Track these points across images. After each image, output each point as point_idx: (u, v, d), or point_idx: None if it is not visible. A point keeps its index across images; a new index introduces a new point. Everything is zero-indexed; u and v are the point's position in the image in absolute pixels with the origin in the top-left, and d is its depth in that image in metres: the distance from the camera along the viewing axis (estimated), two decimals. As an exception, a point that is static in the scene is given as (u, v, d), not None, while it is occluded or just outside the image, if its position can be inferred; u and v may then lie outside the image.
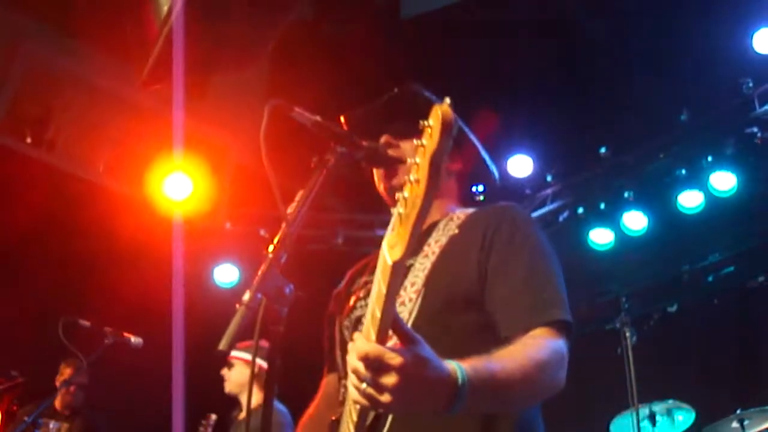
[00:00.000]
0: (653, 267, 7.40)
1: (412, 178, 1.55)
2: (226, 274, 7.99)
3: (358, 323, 2.30)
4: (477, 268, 2.21)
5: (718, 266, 7.34)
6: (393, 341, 1.72)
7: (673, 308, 7.36)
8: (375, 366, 1.62)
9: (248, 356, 5.18)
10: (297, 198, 2.11)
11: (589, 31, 6.71)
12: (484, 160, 2.61)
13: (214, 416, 5.53)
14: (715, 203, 6.95)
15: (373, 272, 2.37)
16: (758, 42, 6.34)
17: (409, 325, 2.09)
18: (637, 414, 5.32)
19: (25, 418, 5.53)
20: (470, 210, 2.46)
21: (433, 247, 2.30)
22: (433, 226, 2.40)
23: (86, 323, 5.48)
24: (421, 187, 1.52)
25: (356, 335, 1.70)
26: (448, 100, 1.62)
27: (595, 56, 6.74)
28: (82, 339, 5.43)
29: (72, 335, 5.31)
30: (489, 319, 2.16)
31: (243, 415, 5.25)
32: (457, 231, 2.33)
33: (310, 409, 2.52)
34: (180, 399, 5.09)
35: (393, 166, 2.44)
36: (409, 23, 6.68)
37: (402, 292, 2.19)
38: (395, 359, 1.61)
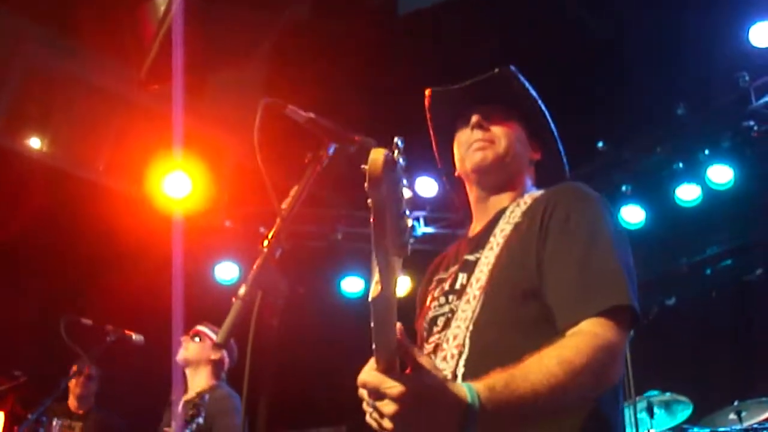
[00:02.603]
0: (651, 260, 7.41)
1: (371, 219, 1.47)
2: (226, 272, 8.04)
3: (433, 324, 2.25)
4: (535, 257, 2.10)
5: (715, 259, 7.36)
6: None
7: (671, 301, 7.39)
8: (374, 394, 1.60)
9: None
10: (291, 193, 2.15)
11: (586, 26, 6.73)
12: (560, 153, 2.53)
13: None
14: (712, 196, 6.97)
15: (446, 269, 2.38)
16: (754, 35, 6.35)
17: (473, 323, 2.08)
18: (635, 407, 5.35)
19: (29, 416, 5.56)
20: (538, 193, 2.35)
21: (498, 237, 2.23)
22: (500, 214, 2.33)
23: (88, 321, 5.50)
24: (372, 233, 1.45)
25: (371, 361, 1.65)
26: (379, 150, 1.45)
27: (592, 51, 6.75)
28: (83, 337, 5.46)
29: (74, 333, 5.33)
30: (549, 312, 2.04)
31: (188, 396, 5.07)
32: (520, 218, 2.24)
33: None
34: (180, 394, 5.13)
35: (481, 141, 2.40)
36: (406, 19, 6.69)
37: (468, 289, 2.16)
38: (392, 389, 1.58)
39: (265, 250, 2.04)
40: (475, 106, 2.44)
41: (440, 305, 2.27)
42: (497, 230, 2.25)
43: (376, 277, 1.50)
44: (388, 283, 1.48)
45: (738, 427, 5.62)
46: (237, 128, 6.97)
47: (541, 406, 1.73)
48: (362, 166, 1.42)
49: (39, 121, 7.32)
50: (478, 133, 2.40)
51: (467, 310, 2.12)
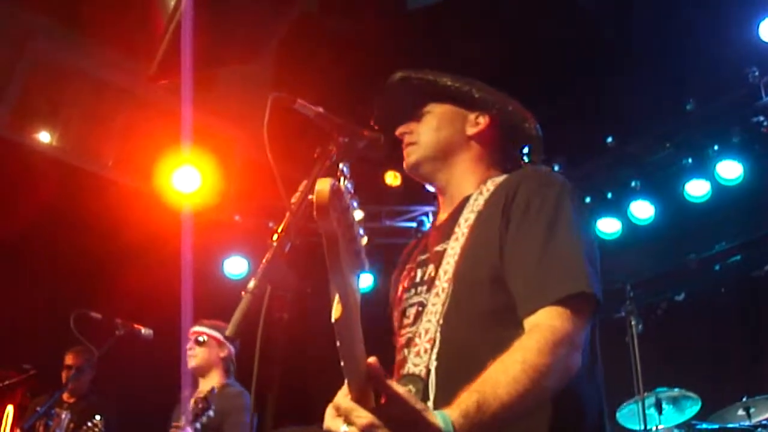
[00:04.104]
0: (660, 256, 7.40)
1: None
2: (235, 266, 8.06)
3: (403, 316, 2.26)
4: (498, 245, 2.09)
5: (724, 255, 7.32)
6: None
7: (680, 297, 7.37)
8: (347, 420, 1.59)
9: (221, 336, 5.16)
10: (300, 188, 2.15)
11: (595, 21, 6.71)
12: (509, 112, 2.47)
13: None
14: (721, 192, 6.95)
15: (415, 259, 2.38)
16: (765, 31, 6.32)
17: (443, 317, 2.09)
18: (643, 402, 5.33)
19: (38, 409, 5.58)
20: (500, 179, 2.32)
21: (463, 227, 2.21)
22: (465, 202, 2.31)
23: (97, 315, 5.52)
24: (327, 261, 1.44)
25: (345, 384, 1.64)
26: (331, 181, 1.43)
27: (601, 46, 6.75)
28: (93, 331, 5.48)
29: (83, 327, 5.36)
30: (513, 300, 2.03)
31: (202, 393, 4.89)
32: (483, 206, 2.23)
33: None
34: (189, 391, 5.14)
35: (405, 149, 2.47)
36: (415, 14, 6.68)
37: (437, 281, 2.16)
38: (361, 419, 1.56)
39: (275, 244, 2.04)
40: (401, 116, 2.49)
41: (409, 297, 2.28)
42: (462, 219, 2.25)
43: (336, 299, 1.50)
44: (348, 303, 1.49)
45: (747, 423, 5.59)
46: (246, 123, 6.99)
47: (512, 416, 1.76)
48: (309, 197, 1.43)
49: (48, 115, 7.36)
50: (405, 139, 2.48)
51: (437, 303, 2.12)
